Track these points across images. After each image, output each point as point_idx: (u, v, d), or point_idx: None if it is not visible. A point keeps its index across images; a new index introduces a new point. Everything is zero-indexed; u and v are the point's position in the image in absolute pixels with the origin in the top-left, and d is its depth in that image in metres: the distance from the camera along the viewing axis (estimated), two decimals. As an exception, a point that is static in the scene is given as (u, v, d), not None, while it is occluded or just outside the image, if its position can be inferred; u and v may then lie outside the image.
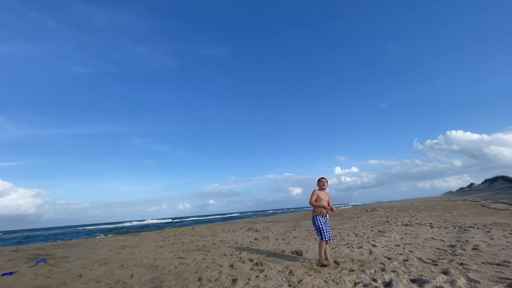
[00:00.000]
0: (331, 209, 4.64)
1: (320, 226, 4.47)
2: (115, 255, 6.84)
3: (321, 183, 4.75)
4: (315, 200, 4.64)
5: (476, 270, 3.50)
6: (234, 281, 3.74)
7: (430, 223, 8.96)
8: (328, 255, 4.53)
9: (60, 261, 6.33)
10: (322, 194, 4.69)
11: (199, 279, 3.97)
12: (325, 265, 4.26)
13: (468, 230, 7.04)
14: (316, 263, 4.42)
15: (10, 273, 5.17)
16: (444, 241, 5.78)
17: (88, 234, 24.85)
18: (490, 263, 3.83)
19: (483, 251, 4.56)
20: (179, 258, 5.82)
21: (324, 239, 4.40)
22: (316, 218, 4.59)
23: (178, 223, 34.74)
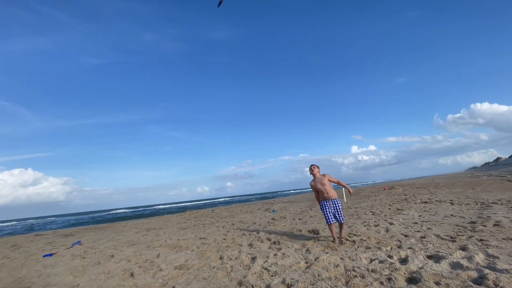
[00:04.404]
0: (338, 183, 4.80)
1: (324, 211, 4.66)
2: (142, 237, 7.30)
3: (310, 170, 4.86)
4: (315, 191, 4.81)
5: (496, 246, 3.46)
6: (253, 259, 3.93)
7: (451, 200, 8.78)
8: (334, 235, 4.58)
9: (93, 243, 6.87)
10: (316, 182, 4.75)
11: (220, 258, 4.21)
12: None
13: (490, 206, 6.86)
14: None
15: (51, 255, 5.71)
16: (464, 217, 5.69)
17: (116, 218, 26.40)
18: (511, 239, 3.76)
19: (505, 227, 4.46)
20: (200, 238, 6.13)
21: (329, 223, 4.58)
22: (321, 203, 4.75)
23: (198, 206, 36.06)
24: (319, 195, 4.75)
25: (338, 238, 4.66)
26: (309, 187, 4.88)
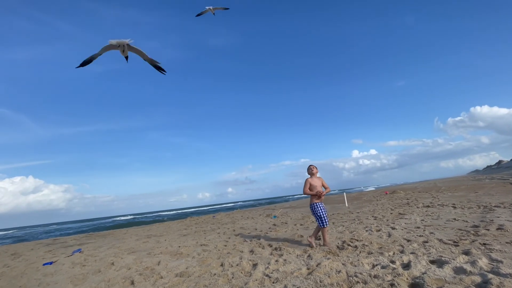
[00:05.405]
0: (325, 192, 4.79)
1: (321, 213, 4.63)
2: (142, 244, 7.26)
3: (310, 170, 4.87)
4: (309, 189, 4.76)
5: (500, 250, 3.43)
6: (255, 265, 3.90)
7: (453, 204, 8.73)
8: (328, 238, 4.77)
9: (93, 251, 6.83)
10: (314, 181, 4.79)
11: (222, 265, 4.17)
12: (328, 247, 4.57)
13: (493, 209, 6.81)
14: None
15: (51, 263, 5.67)
16: (467, 221, 5.65)
17: (116, 225, 26.27)
18: (515, 243, 3.72)
19: (508, 230, 4.42)
20: (201, 245, 6.09)
21: (326, 226, 4.62)
22: (316, 205, 4.70)
23: (199, 212, 35.85)
24: (313, 196, 4.76)
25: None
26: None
